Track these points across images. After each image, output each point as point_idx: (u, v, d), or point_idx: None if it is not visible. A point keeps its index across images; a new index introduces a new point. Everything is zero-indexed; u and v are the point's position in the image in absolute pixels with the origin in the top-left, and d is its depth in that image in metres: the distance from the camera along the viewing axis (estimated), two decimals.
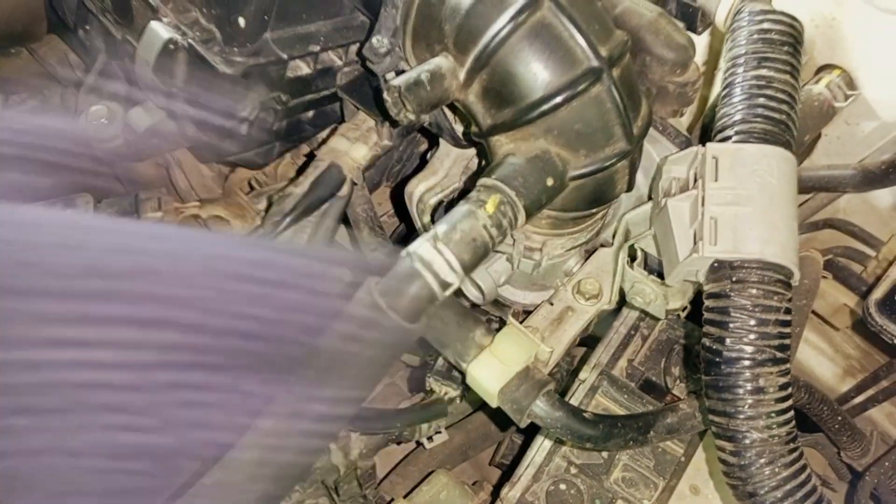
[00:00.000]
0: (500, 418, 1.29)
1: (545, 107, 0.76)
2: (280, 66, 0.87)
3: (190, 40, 0.83)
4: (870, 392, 1.23)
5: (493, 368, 0.85)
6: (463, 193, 0.99)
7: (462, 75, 0.78)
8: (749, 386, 0.71)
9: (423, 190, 0.98)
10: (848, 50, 1.10)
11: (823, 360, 1.32)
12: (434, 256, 0.70)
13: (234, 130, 0.89)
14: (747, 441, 0.72)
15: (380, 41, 0.82)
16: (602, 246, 0.96)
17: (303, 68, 0.90)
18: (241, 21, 0.84)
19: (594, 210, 0.86)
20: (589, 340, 1.13)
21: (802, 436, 0.75)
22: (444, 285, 0.70)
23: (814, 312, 1.28)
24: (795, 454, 0.72)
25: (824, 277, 1.21)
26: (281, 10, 0.85)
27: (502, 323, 1.02)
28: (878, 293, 1.02)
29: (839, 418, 1.10)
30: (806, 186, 1.10)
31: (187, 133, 0.92)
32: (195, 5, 0.87)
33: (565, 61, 0.75)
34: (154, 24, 0.83)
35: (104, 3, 0.92)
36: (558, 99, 0.75)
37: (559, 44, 0.75)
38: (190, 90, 0.87)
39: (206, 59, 0.83)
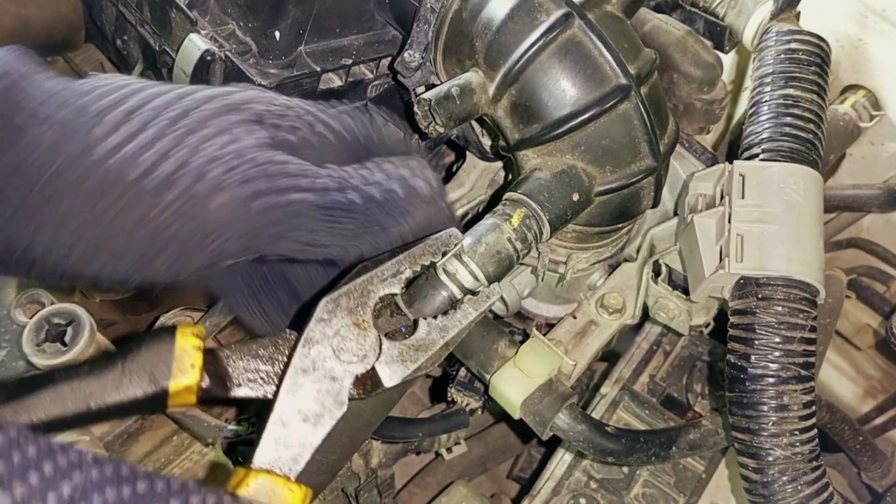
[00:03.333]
0: (520, 431, 1.30)
1: (573, 123, 0.76)
2: (313, 78, 0.88)
3: (226, 52, 0.85)
4: (891, 413, 1.23)
5: (516, 380, 0.85)
6: (488, 206, 1.00)
7: (491, 90, 0.79)
8: (773, 403, 0.72)
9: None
10: (873, 70, 1.10)
11: (844, 381, 1.32)
12: (459, 268, 0.70)
13: None
14: (770, 458, 0.72)
15: (411, 55, 0.84)
16: (626, 261, 0.96)
17: (335, 81, 0.91)
18: (277, 34, 0.86)
19: (619, 225, 0.86)
20: (609, 356, 1.13)
21: (823, 455, 0.75)
22: None
23: (836, 332, 1.27)
24: (818, 472, 0.72)
25: (847, 297, 1.21)
26: (316, 25, 0.87)
27: (525, 336, 1.03)
28: None
29: (860, 438, 1.10)
30: (830, 206, 1.10)
31: None
32: (232, 18, 0.89)
33: (594, 78, 0.76)
34: (193, 36, 0.85)
35: (143, 15, 0.94)
36: (586, 115, 0.76)
37: (588, 61, 0.76)
38: None
39: (241, 71, 0.85)
